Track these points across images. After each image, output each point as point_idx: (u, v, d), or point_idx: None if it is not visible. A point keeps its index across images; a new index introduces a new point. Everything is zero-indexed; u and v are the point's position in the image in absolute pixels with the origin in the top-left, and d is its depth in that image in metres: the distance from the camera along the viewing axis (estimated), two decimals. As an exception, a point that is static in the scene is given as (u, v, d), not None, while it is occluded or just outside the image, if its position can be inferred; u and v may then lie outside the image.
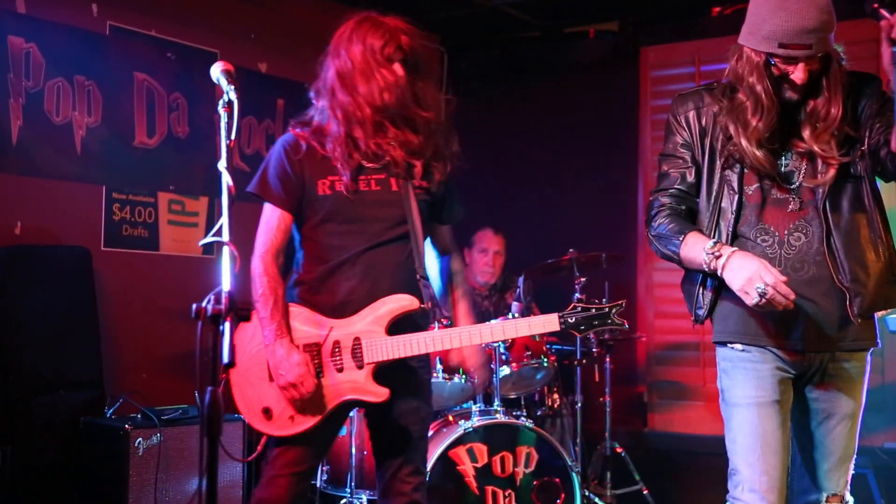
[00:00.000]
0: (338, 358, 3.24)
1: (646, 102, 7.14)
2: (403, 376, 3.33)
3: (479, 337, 3.32)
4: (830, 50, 2.87)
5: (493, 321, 3.39)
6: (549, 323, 3.31)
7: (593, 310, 3.33)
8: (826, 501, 3.03)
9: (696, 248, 2.94)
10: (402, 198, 3.33)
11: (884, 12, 2.68)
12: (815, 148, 2.93)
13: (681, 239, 2.98)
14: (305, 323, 3.27)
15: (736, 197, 2.99)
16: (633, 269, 7.02)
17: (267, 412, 3.23)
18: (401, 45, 3.28)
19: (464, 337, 3.29)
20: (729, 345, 3.04)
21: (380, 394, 3.21)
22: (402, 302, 3.27)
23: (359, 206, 3.29)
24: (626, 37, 7.18)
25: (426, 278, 3.40)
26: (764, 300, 2.76)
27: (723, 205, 3.01)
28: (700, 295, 3.05)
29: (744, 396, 2.99)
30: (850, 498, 3.06)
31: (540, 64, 7.54)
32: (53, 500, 4.73)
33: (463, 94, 7.67)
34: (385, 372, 3.25)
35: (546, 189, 7.36)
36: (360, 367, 3.22)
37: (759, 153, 2.93)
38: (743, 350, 3.00)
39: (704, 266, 2.91)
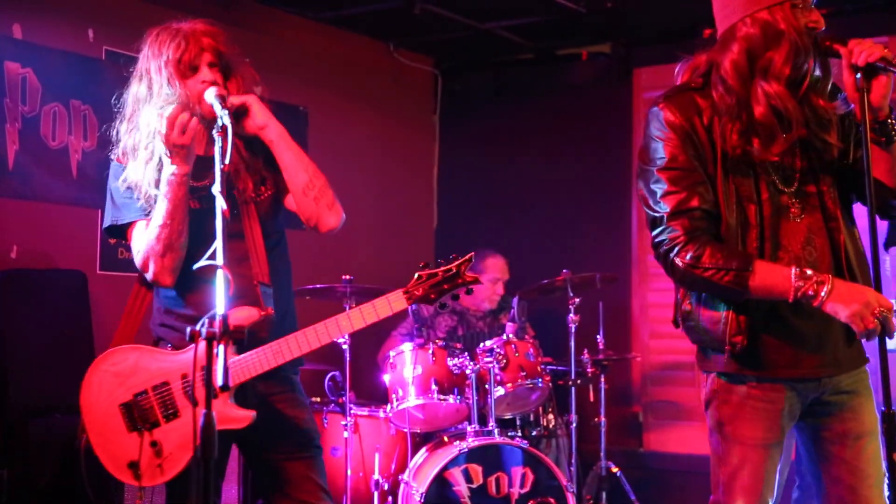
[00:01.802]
0: (190, 391, 3.00)
1: (639, 123, 7.17)
2: (275, 388, 3.14)
3: (327, 334, 3.07)
4: None
5: (340, 314, 3.10)
6: (395, 301, 3.08)
7: (439, 273, 3.11)
8: None
9: (774, 275, 2.66)
10: (236, 209, 3.10)
11: (837, 47, 2.68)
12: (820, 105, 2.76)
13: (750, 267, 2.67)
14: (149, 362, 3.09)
15: (756, 208, 2.76)
16: (628, 289, 7.04)
17: (133, 466, 3.03)
18: (203, 48, 3.05)
19: (312, 336, 3.06)
20: (742, 378, 2.83)
21: (243, 418, 2.98)
22: (238, 315, 3.00)
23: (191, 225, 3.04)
24: (618, 59, 7.23)
25: (265, 283, 3.11)
26: (879, 326, 2.61)
27: (750, 218, 2.76)
28: (733, 320, 2.76)
29: (752, 437, 2.84)
30: None
31: (533, 86, 7.59)
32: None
33: (457, 115, 7.82)
34: (251, 392, 3.04)
35: (540, 210, 7.39)
36: (216, 396, 2.91)
37: (793, 100, 2.70)
38: (756, 387, 2.82)
39: (791, 294, 2.65)
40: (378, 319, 3.10)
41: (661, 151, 2.79)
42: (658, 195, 2.77)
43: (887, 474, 2.53)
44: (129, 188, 3.14)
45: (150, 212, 3.09)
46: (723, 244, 2.74)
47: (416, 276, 3.11)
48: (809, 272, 2.65)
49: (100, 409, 3.09)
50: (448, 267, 3.12)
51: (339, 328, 3.08)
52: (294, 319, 3.29)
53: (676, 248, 2.73)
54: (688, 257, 2.71)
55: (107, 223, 3.22)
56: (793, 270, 2.65)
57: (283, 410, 3.17)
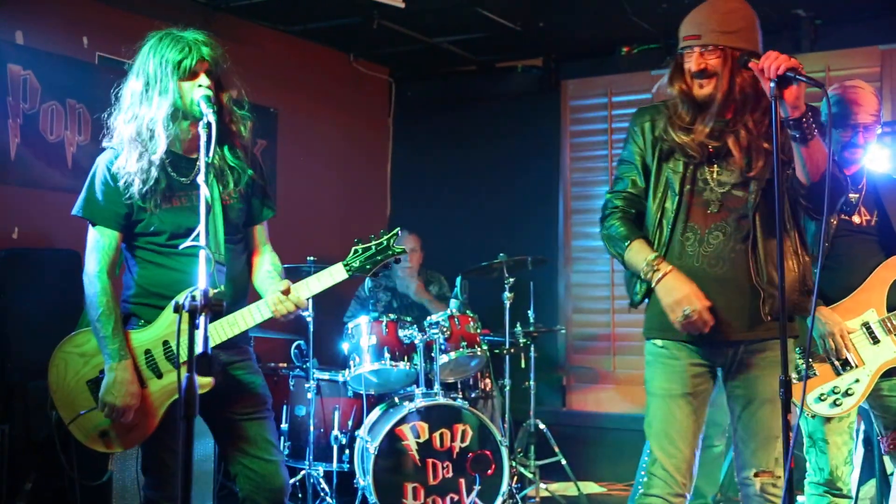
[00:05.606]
0: (154, 365, 3.02)
1: (565, 128, 7.24)
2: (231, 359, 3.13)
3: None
4: (730, 51, 2.86)
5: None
6: (336, 273, 3.07)
7: (373, 247, 3.11)
8: (755, 476, 2.98)
9: (638, 256, 2.97)
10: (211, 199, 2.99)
11: (752, 64, 2.76)
12: (739, 157, 2.92)
13: (626, 244, 3.00)
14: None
15: (676, 198, 2.98)
16: (555, 270, 7.09)
17: (104, 435, 3.05)
18: (203, 57, 2.98)
19: (264, 309, 3.01)
20: (652, 340, 3.05)
21: (204, 384, 2.84)
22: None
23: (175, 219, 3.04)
24: (548, 71, 7.26)
25: (221, 262, 3.03)
26: (686, 322, 2.84)
27: (666, 205, 2.99)
28: (637, 283, 3.04)
29: (659, 388, 3.00)
30: (781, 473, 2.95)
31: (474, 93, 7.60)
32: (48, 472, 4.68)
33: (408, 119, 7.82)
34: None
35: (480, 200, 7.41)
36: (178, 368, 2.94)
37: (685, 138, 2.95)
38: (662, 346, 3.01)
39: (642, 274, 2.95)
40: (321, 289, 3.08)
41: (624, 147, 3.15)
42: (614, 179, 3.17)
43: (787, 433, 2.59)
44: (113, 179, 3.06)
45: (118, 223, 3.05)
46: (631, 222, 3.05)
47: (353, 250, 3.12)
48: (657, 264, 2.91)
49: (68, 387, 3.08)
50: (379, 241, 3.13)
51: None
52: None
53: (602, 217, 3.13)
54: (605, 224, 3.11)
55: (77, 211, 3.12)
56: (648, 257, 2.93)
57: (241, 377, 3.17)
